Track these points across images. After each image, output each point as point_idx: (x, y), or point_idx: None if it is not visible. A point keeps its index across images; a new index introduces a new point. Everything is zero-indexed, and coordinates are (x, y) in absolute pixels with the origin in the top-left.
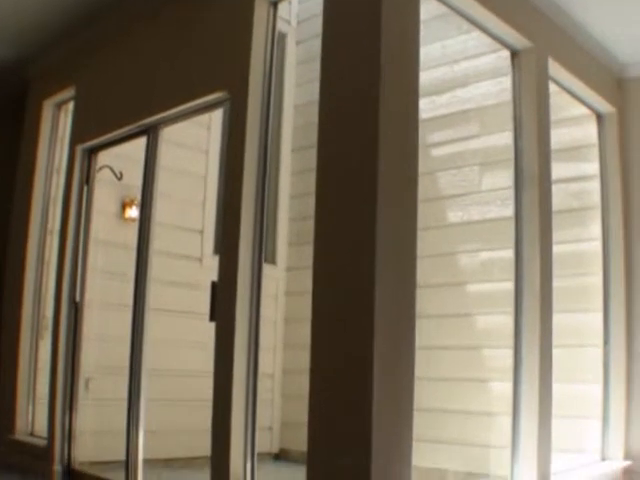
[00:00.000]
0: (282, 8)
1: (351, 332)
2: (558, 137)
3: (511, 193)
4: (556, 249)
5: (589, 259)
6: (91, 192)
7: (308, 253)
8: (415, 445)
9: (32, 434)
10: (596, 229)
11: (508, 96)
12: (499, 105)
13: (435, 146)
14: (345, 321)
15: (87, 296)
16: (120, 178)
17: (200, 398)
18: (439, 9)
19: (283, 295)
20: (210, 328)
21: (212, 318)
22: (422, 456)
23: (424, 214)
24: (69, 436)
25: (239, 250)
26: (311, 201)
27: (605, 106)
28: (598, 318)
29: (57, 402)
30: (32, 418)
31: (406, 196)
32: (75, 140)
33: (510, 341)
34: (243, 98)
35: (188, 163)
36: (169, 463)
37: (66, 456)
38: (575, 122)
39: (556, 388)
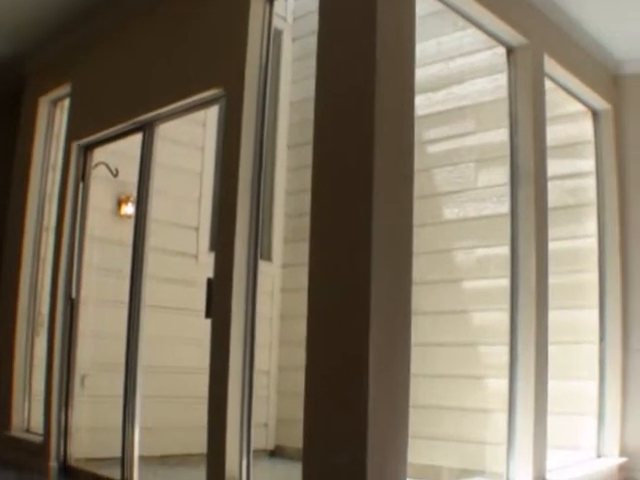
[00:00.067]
0: (278, 5)
1: (347, 329)
2: (554, 134)
3: (507, 190)
4: (552, 246)
5: (585, 256)
6: (87, 189)
7: (304, 250)
8: (411, 442)
9: (28, 431)
10: (592, 226)
11: (504, 93)
12: (495, 102)
13: (431, 143)
14: (341, 318)
15: (83, 293)
16: (116, 175)
17: (196, 395)
18: (434, 6)
19: (279, 292)
20: (206, 325)
21: (208, 315)
22: (418, 453)
23: (420, 211)
24: (65, 433)
25: (235, 247)
26: (307, 198)
27: (601, 103)
28: (594, 315)
29: (53, 399)
30: (28, 415)
31: (402, 193)
32: (71, 137)
33: (506, 338)
34: (239, 95)
35: (184, 160)
36: (165, 460)
37: (62, 452)
38: (571, 119)
39: (552, 385)
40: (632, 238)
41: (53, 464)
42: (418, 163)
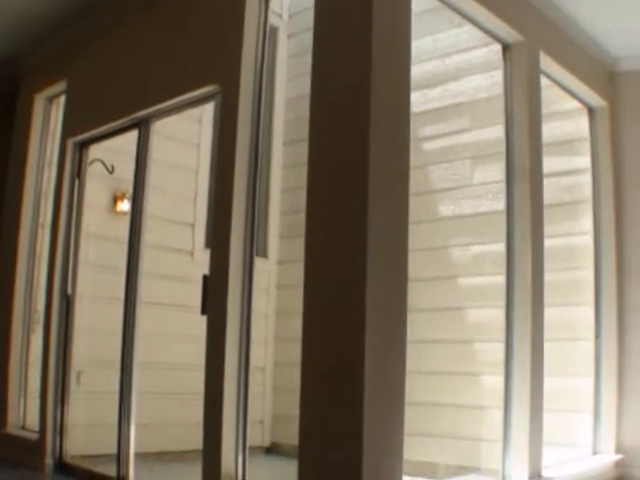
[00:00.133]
0: (274, 1)
1: (342, 326)
2: (549, 131)
3: (503, 187)
4: (548, 243)
5: (580, 253)
6: (82, 185)
7: (299, 246)
8: (406, 439)
9: (24, 428)
10: (587, 223)
11: (500, 90)
12: (491, 99)
13: (427, 140)
14: (336, 314)
15: (79, 289)
16: (111, 171)
17: (191, 391)
18: (431, 3)
19: (274, 288)
20: (202, 321)
21: (203, 311)
22: (413, 450)
23: (416, 208)
24: (61, 430)
25: (230, 243)
26: (302, 195)
27: (597, 100)
28: (589, 312)
29: (49, 395)
30: (24, 412)
31: (397, 189)
32: (66, 134)
33: (501, 335)
34: (234, 92)
35: (180, 157)
36: (160, 456)
37: (58, 449)
38: (566, 116)
39: (547, 382)
40: (628, 235)
41: (49, 461)
42: (414, 160)
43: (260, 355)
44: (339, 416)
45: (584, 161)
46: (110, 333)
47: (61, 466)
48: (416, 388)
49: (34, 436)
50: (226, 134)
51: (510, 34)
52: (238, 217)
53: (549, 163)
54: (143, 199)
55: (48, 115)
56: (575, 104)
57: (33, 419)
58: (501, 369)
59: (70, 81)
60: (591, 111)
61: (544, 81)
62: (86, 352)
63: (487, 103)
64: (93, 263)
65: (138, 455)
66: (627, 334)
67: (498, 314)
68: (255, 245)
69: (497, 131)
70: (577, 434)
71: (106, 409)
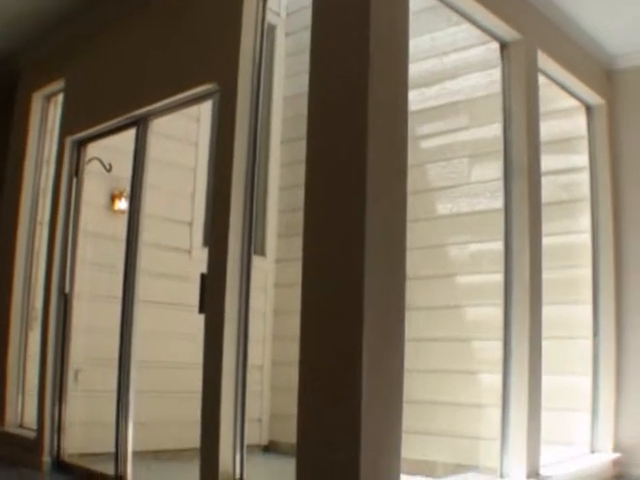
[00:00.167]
0: (271, 0)
1: (340, 324)
2: (547, 129)
3: (500, 185)
4: (546, 241)
5: (579, 251)
6: (80, 184)
7: (297, 245)
8: (404, 437)
9: (21, 426)
10: (586, 221)
11: (497, 88)
12: (488, 97)
13: (424, 138)
14: (334, 313)
15: (76, 288)
16: (109, 170)
17: (189, 390)
18: (428, 1)
19: (272, 287)
20: (199, 320)
21: (201, 310)
22: (412, 448)
23: (413, 206)
24: (58, 428)
25: (228, 242)
26: (300, 193)
27: (594, 98)
28: (588, 310)
29: (46, 394)
30: (21, 410)
31: (395, 188)
32: (64, 132)
33: (499, 333)
34: (232, 90)
35: (177, 155)
36: (158, 455)
37: (55, 448)
38: (564, 114)
39: (545, 380)
40: (626, 233)
41: (46, 459)
42: (411, 158)
43: (258, 353)
44: (337, 414)
45: (582, 159)
46: (108, 331)
47: (59, 464)
48: (414, 386)
49: (32, 434)
50: (224, 132)
51: (508, 32)
52: (236, 215)
53: (547, 161)
54: (141, 197)
55: (46, 113)
56: (573, 102)
57: (31, 417)
58: (499, 367)
59: (68, 79)
60: (589, 109)
61: (542, 79)
62: (84, 350)
63: (485, 101)
64: (91, 261)
65: (136, 453)
66: (625, 332)
67: (496, 312)
68: (253, 243)
69: (495, 129)
70: (575, 432)
71: (104, 407)
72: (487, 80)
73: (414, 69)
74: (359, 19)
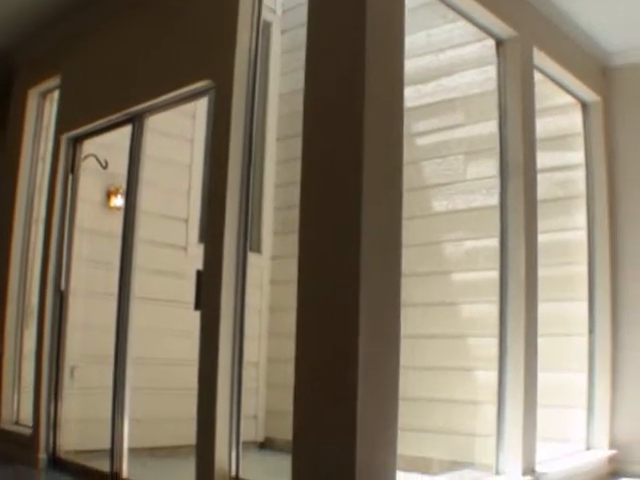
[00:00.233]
0: None
1: (336, 321)
2: (543, 126)
3: (496, 182)
4: (541, 238)
5: (574, 248)
6: (76, 181)
7: (293, 242)
8: (400, 434)
9: (17, 423)
10: (581, 218)
11: (493, 85)
12: (484, 94)
13: (420, 135)
14: (330, 310)
15: (72, 285)
16: (105, 167)
17: (185, 387)
18: None
19: (268, 284)
20: (195, 317)
21: (197, 307)
22: (407, 445)
23: (409, 203)
24: (54, 425)
25: (224, 239)
26: (296, 190)
27: (590, 95)
28: (583, 307)
29: (42, 391)
30: (17, 407)
31: (391, 185)
32: (60, 129)
33: (495, 330)
34: (228, 87)
35: (173, 152)
36: (154, 452)
37: (51, 445)
38: (560, 111)
39: (541, 377)
40: (621, 230)
41: (42, 456)
42: (407, 155)
43: (254, 350)
44: (333, 411)
45: (578, 156)
46: (104, 328)
47: (54, 461)
48: (410, 383)
49: (28, 431)
50: (220, 129)
51: (504, 29)
52: (232, 212)
53: (543, 158)
54: (137, 194)
55: (42, 110)
56: (569, 99)
57: (27, 414)
58: (495, 364)
59: (64, 76)
60: (585, 106)
61: (537, 76)
62: (80, 347)
63: (480, 98)
64: (87, 258)
65: (131, 450)
66: (621, 329)
67: (492, 309)
68: (249, 240)
69: (490, 126)
70: (571, 429)
71: (100, 404)
72: (483, 77)
73: (410, 66)
74: (355, 16)
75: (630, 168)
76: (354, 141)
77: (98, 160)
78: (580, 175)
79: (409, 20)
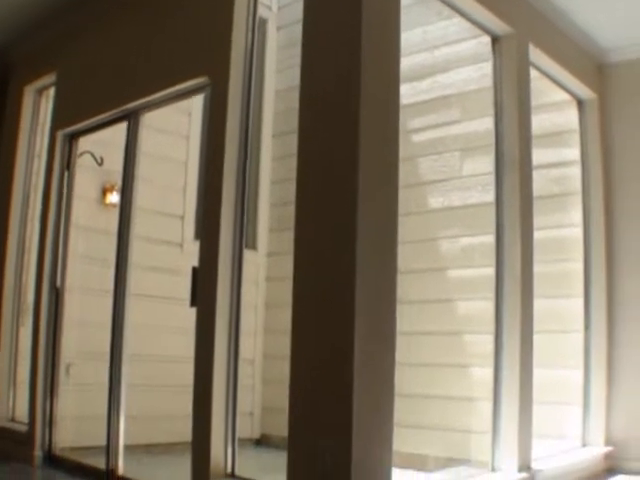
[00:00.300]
0: None
1: (332, 317)
2: (539, 123)
3: (492, 178)
4: (537, 235)
5: (570, 245)
6: (72, 178)
7: (289, 239)
8: (396, 430)
9: (13, 420)
10: (577, 214)
11: (489, 82)
12: (480, 91)
13: (416, 132)
14: (326, 307)
15: (68, 281)
16: (101, 164)
17: (181, 383)
18: None
19: (264, 280)
20: (191, 313)
21: (193, 303)
22: (403, 441)
23: (405, 200)
24: (50, 422)
25: (220, 235)
26: (292, 187)
27: (586, 92)
28: (579, 303)
29: (38, 388)
30: (13, 404)
31: (387, 181)
32: (56, 126)
33: (491, 327)
34: (224, 84)
35: (169, 149)
36: (150, 449)
37: (47, 441)
38: (556, 108)
39: (537, 374)
40: (617, 227)
41: (38, 453)
42: (403, 152)
43: (249, 347)
44: (328, 408)
45: (573, 153)
46: (99, 325)
47: (50, 458)
48: (406, 380)
49: (23, 428)
50: (215, 126)
51: (499, 26)
52: (227, 209)
53: (538, 155)
54: (132, 191)
55: (37, 107)
56: (564, 96)
57: (22, 411)
58: (491, 361)
59: (60, 73)
60: (580, 103)
61: (533, 73)
62: (75, 344)
63: (476, 95)
64: (82, 255)
65: (127, 447)
66: (617, 326)
67: (488, 306)
68: (244, 237)
69: (486, 123)
70: (566, 426)
71: (95, 401)
72: (479, 74)
73: (405, 63)
74: (351, 13)
75: (626, 165)
76: (350, 138)
77: (94, 157)
78: (576, 172)
79: (404, 17)
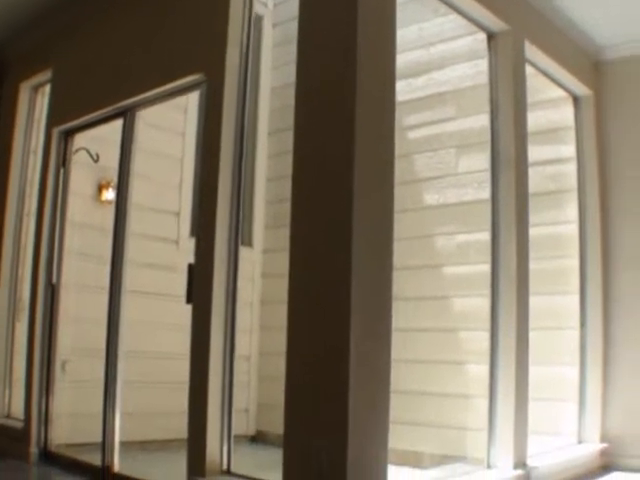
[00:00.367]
0: None
1: (327, 315)
2: (535, 119)
3: (488, 175)
4: (533, 231)
5: (566, 242)
6: (67, 174)
7: (284, 236)
8: (392, 427)
9: (9, 416)
10: (573, 211)
11: (485, 79)
12: (476, 87)
13: (412, 128)
14: (321, 304)
15: (64, 278)
16: (96, 160)
17: (177, 380)
18: None
19: (259, 277)
20: (187, 310)
21: (189, 300)
22: (399, 438)
23: (401, 196)
24: (46, 418)
25: (216, 232)
26: (288, 184)
27: (582, 89)
28: (575, 300)
29: (34, 384)
30: (9, 400)
31: (383, 178)
32: (52, 122)
33: (487, 323)
34: (220, 80)
35: (165, 145)
36: (145, 445)
37: (43, 438)
38: (552, 104)
39: (533, 370)
40: (613, 224)
41: (34, 450)
42: (399, 149)
43: (245, 344)
44: (324, 405)
45: (569, 150)
46: (95, 322)
47: (46, 455)
48: (401, 377)
49: (19, 425)
50: (211, 123)
51: (495, 23)
52: (223, 206)
53: (534, 152)
54: (128, 188)
55: (33, 104)
56: (560, 93)
57: (18, 408)
58: (486, 358)
59: (55, 70)
60: (576, 100)
61: (529, 70)
62: (71, 341)
63: (472, 92)
64: (78, 252)
65: (123, 444)
66: (612, 323)
67: (483, 303)
68: (240, 234)
69: (482, 120)
70: (562, 423)
71: (91, 398)
72: (474, 71)
73: (401, 60)
74: (346, 10)
75: (621, 162)
76: (345, 135)
77: (89, 153)
78: (572, 169)
79: (400, 14)
